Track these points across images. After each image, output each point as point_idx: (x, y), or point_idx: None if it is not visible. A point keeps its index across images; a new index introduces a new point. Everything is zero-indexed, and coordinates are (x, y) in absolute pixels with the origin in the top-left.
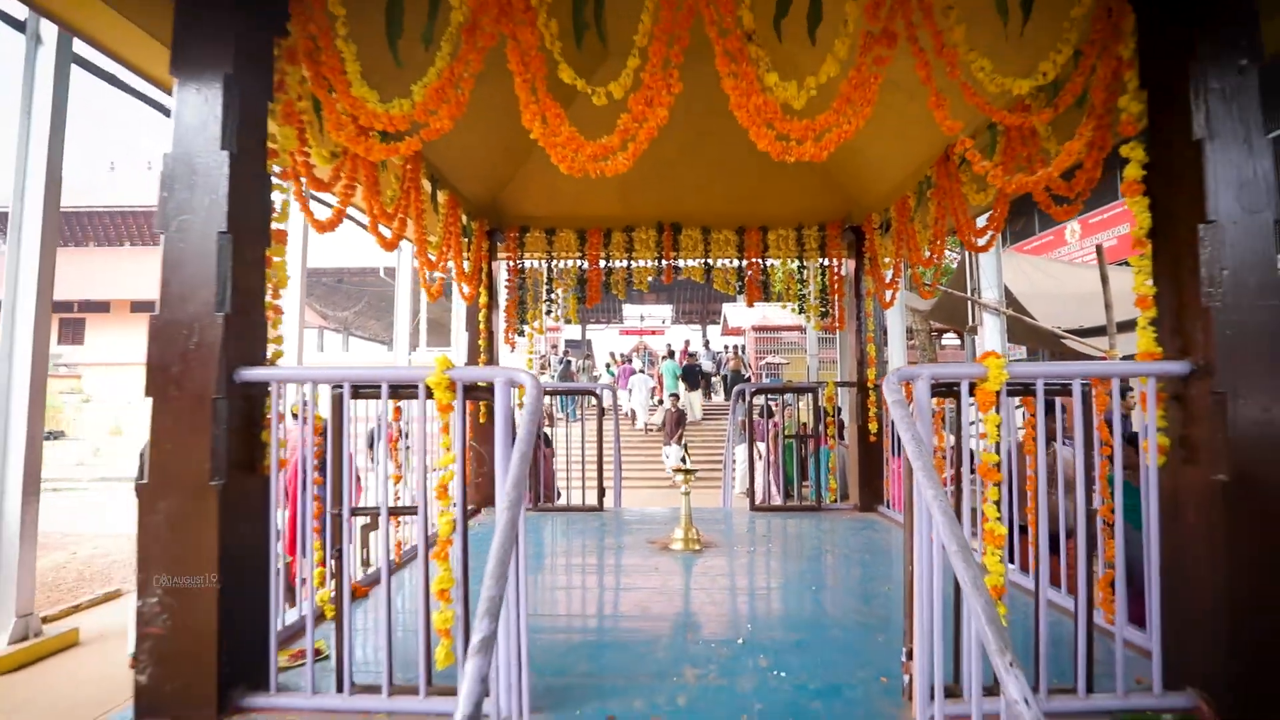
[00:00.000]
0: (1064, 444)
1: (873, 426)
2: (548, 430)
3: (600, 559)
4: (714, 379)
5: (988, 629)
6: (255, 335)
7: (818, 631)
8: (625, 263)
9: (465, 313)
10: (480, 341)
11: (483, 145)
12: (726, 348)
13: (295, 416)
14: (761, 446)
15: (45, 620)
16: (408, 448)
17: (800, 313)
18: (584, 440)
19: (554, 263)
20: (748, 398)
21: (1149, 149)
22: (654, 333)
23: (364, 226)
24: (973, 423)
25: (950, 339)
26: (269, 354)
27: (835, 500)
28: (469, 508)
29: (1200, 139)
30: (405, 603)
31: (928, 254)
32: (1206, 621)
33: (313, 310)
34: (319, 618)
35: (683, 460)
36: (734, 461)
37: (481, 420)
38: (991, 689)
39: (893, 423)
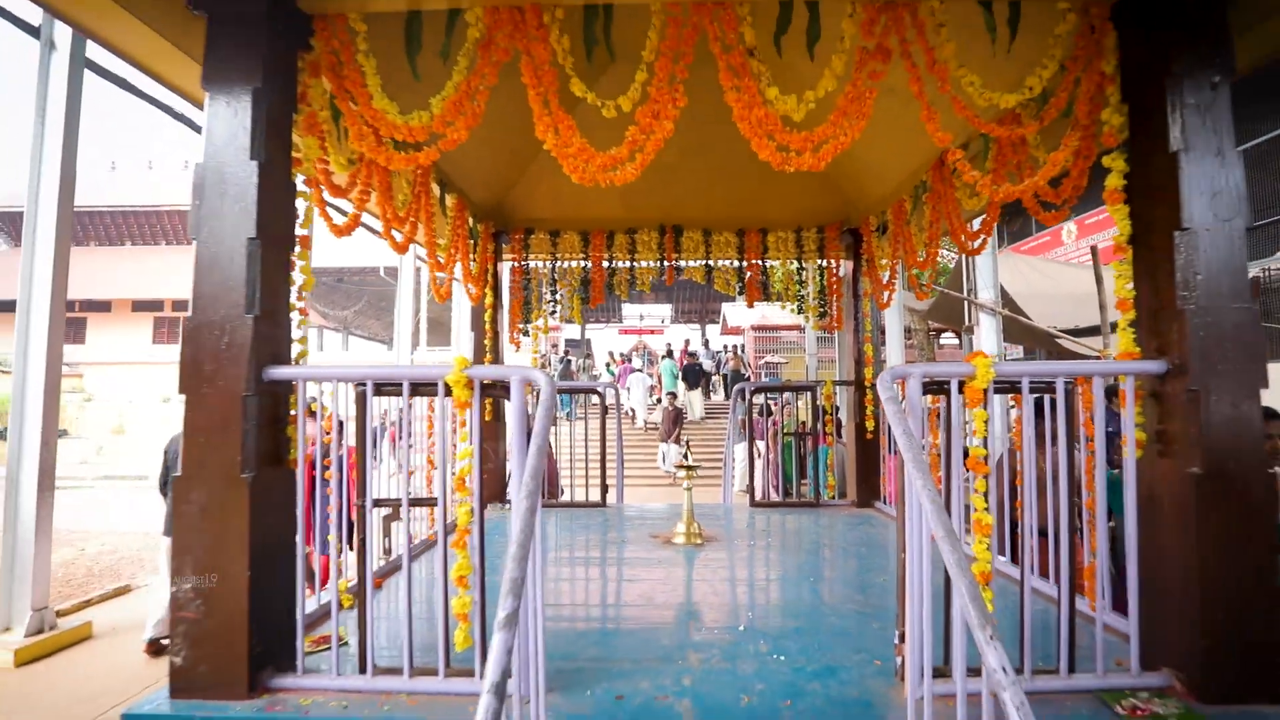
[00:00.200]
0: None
1: (870, 424)
2: None
3: (605, 552)
4: (714, 378)
5: (970, 606)
6: (281, 336)
7: (815, 619)
8: (628, 263)
9: (471, 313)
10: (486, 341)
11: (489, 150)
12: (726, 347)
13: (313, 414)
14: (761, 445)
15: (59, 614)
16: (409, 445)
17: (799, 313)
18: (587, 438)
19: (558, 264)
20: (747, 396)
21: (1129, 159)
22: (653, 332)
23: (376, 232)
24: (969, 421)
25: (949, 338)
26: (294, 353)
27: (833, 496)
28: None
29: (1176, 151)
30: (418, 591)
31: (923, 256)
32: (1180, 605)
33: (313, 309)
34: (338, 605)
35: (685, 457)
36: (734, 459)
37: (487, 418)
38: (976, 669)
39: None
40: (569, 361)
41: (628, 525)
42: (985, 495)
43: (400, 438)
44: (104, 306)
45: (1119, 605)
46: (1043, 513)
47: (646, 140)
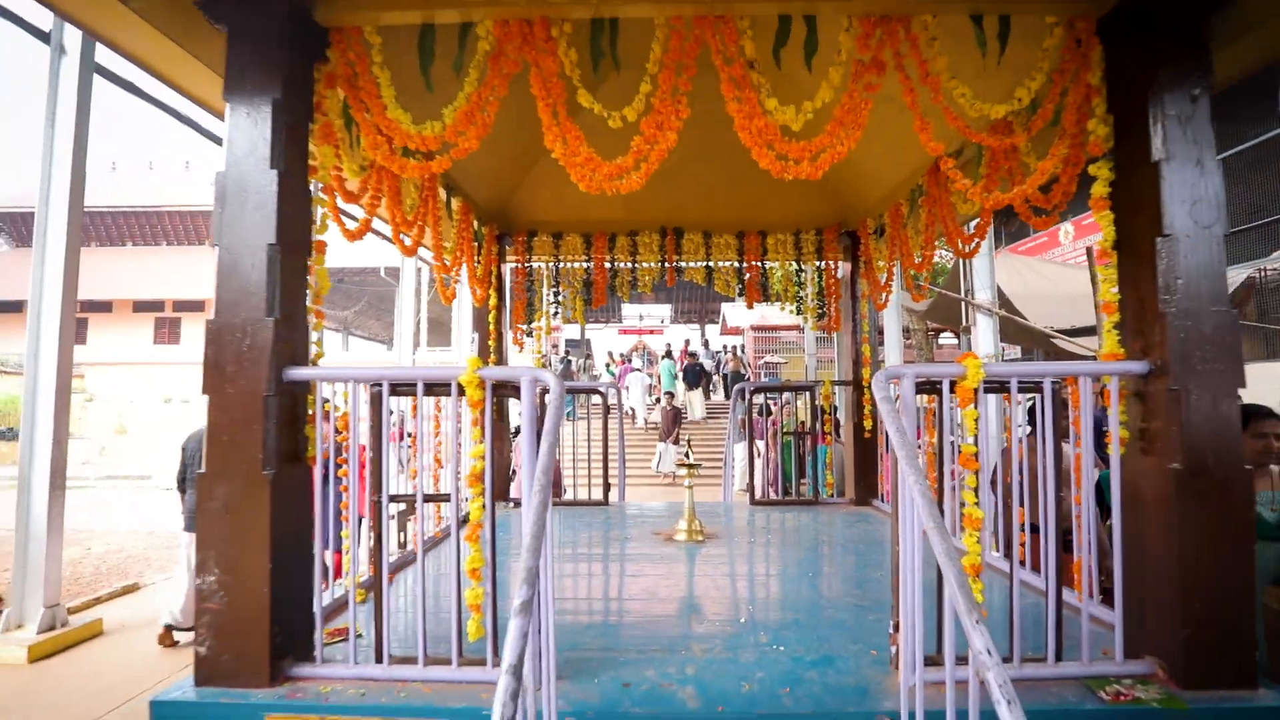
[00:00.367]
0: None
1: (867, 424)
2: None
3: (608, 549)
4: (714, 378)
5: (958, 593)
6: (300, 338)
7: (814, 612)
8: (630, 264)
9: (475, 314)
10: (490, 342)
11: (495, 154)
12: (725, 347)
13: (325, 416)
14: (760, 444)
15: (69, 612)
16: (409, 445)
17: (798, 314)
18: (590, 438)
19: (560, 265)
20: (747, 396)
21: (1115, 168)
22: (652, 332)
23: (385, 237)
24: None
25: (948, 338)
26: (311, 355)
27: (832, 495)
28: None
29: (1158, 160)
30: (428, 585)
31: (919, 259)
32: (1162, 596)
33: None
34: (347, 601)
35: (686, 455)
36: (733, 459)
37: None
38: (966, 657)
39: None
40: (569, 362)
41: (630, 523)
42: (976, 491)
43: (400, 438)
44: (105, 307)
45: (1108, 597)
46: (1035, 509)
47: (651, 150)
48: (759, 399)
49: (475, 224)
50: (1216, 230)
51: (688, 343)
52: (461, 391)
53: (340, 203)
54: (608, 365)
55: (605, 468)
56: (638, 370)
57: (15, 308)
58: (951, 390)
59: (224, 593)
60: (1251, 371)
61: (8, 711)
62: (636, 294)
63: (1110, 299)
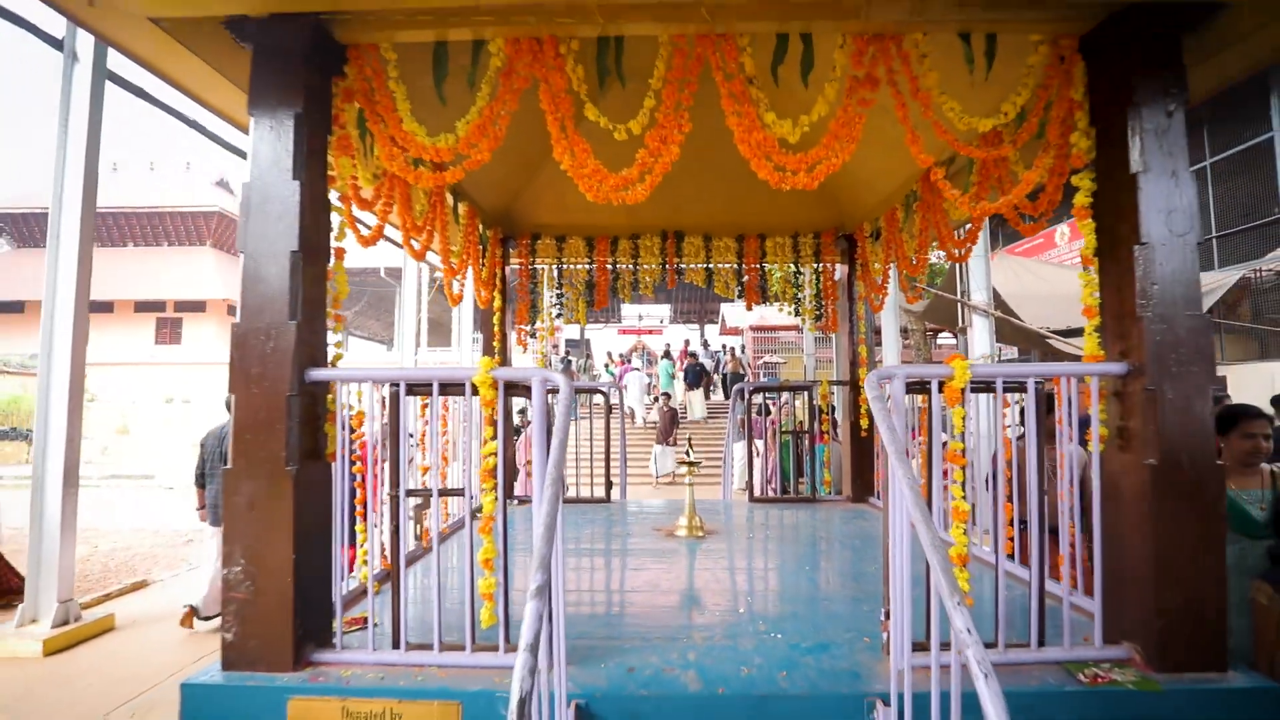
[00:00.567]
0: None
1: (864, 423)
2: None
3: (611, 544)
4: (713, 377)
5: (942, 578)
6: (320, 340)
7: (810, 604)
8: (631, 266)
9: (481, 316)
10: (495, 343)
11: (500, 162)
12: (725, 347)
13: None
14: (759, 444)
15: (82, 607)
16: (416, 444)
17: (796, 315)
18: (592, 437)
19: (564, 267)
20: (746, 396)
21: (1096, 179)
22: (652, 332)
23: (395, 242)
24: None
25: (946, 338)
26: (330, 356)
27: (829, 492)
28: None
29: (1136, 172)
30: (437, 577)
31: (914, 262)
32: (1139, 585)
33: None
34: (362, 592)
35: (687, 453)
36: (733, 458)
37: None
38: (949, 643)
39: None
40: (569, 362)
41: (632, 520)
42: (963, 485)
43: (405, 436)
44: (106, 307)
45: (1089, 587)
46: (1025, 505)
47: (655, 163)
48: (758, 399)
49: (480, 228)
50: (1190, 239)
51: (687, 343)
52: (475, 391)
53: (354, 210)
54: (606, 365)
55: (607, 466)
56: (637, 369)
57: (17, 308)
58: (941, 390)
59: (250, 582)
60: (1247, 371)
61: (29, 702)
62: (637, 295)
63: (1091, 303)
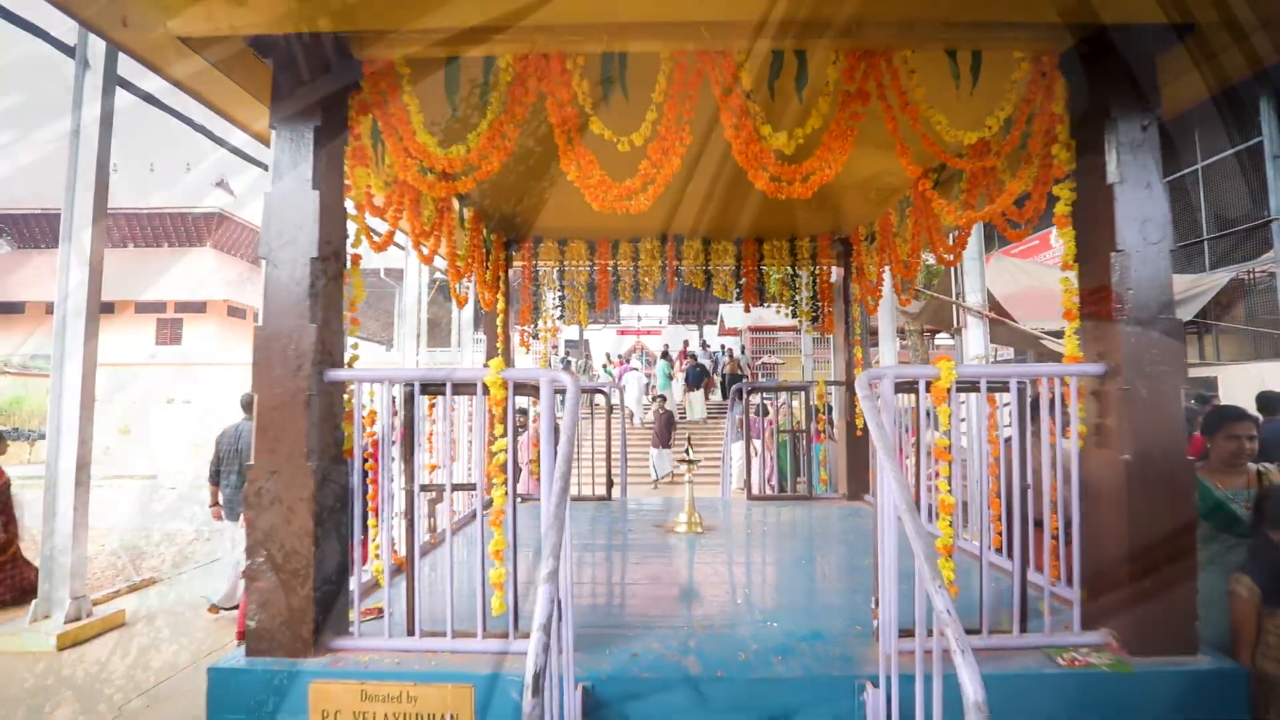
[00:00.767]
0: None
1: (859, 422)
2: None
3: (613, 540)
4: (713, 377)
5: (924, 564)
6: (337, 343)
7: (806, 595)
8: (632, 268)
9: (484, 318)
10: (498, 345)
11: (505, 167)
12: (723, 348)
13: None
14: (757, 443)
15: (93, 603)
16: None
17: (793, 316)
18: (593, 437)
19: (565, 269)
20: (744, 396)
21: (1076, 189)
22: (650, 333)
23: (403, 248)
24: (962, 419)
25: (945, 339)
26: (346, 358)
27: (826, 490)
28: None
29: (1113, 183)
30: (450, 568)
31: (907, 265)
32: (1115, 573)
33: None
34: (374, 584)
35: (686, 452)
36: (731, 457)
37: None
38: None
39: None
40: (568, 363)
41: (632, 517)
42: (949, 480)
43: (411, 436)
44: (107, 308)
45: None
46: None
47: (657, 173)
48: (756, 399)
49: (485, 232)
50: (1163, 246)
51: (686, 344)
52: (485, 390)
53: (368, 217)
54: (605, 366)
55: (608, 465)
56: (635, 370)
57: (18, 309)
58: (927, 389)
59: (273, 572)
60: (1241, 371)
61: (47, 694)
62: (637, 296)
63: (1071, 307)
